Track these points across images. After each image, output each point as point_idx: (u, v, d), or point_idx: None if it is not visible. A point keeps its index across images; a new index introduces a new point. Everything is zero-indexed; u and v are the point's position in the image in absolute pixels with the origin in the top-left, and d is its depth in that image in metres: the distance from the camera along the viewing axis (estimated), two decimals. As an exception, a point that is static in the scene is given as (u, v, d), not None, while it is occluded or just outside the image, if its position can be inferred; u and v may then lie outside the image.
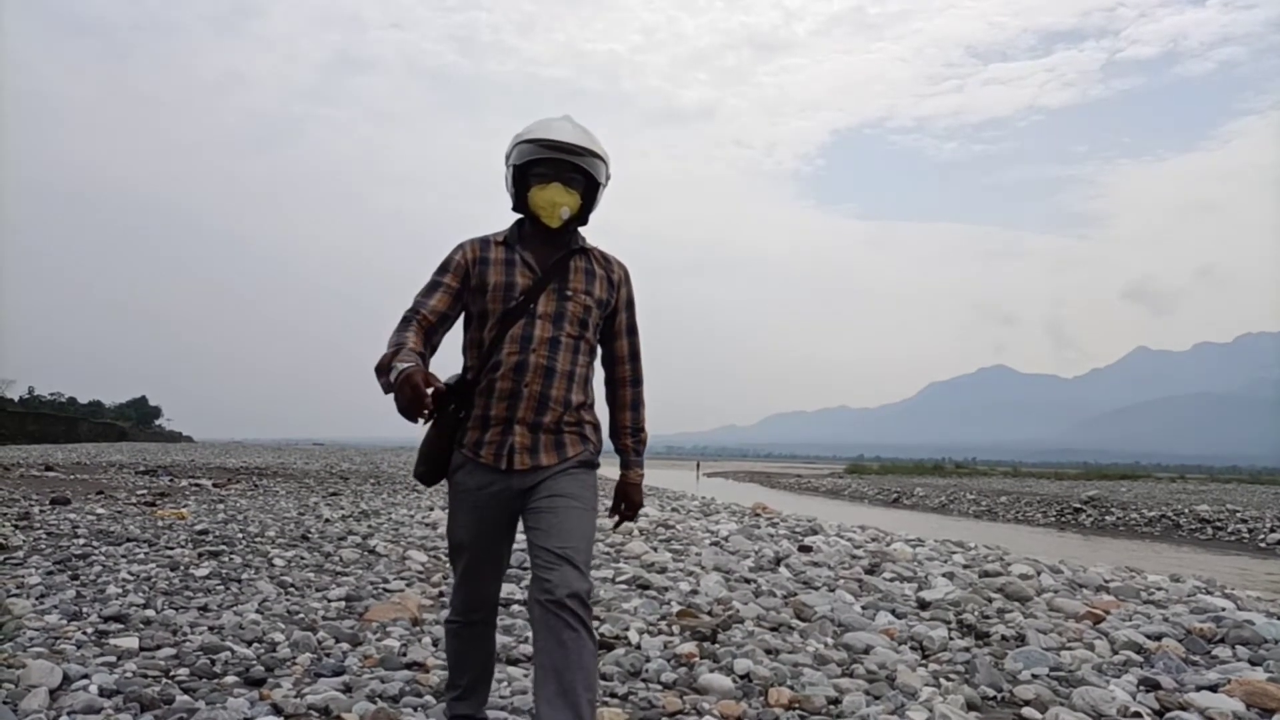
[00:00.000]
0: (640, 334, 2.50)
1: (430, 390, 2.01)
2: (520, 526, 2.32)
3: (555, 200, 2.27)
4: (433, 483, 2.40)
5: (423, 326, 2.26)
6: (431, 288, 2.31)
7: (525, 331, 2.25)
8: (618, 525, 2.56)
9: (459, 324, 2.39)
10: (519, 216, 2.40)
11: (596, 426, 2.40)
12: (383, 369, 2.09)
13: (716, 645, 3.68)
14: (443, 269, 2.34)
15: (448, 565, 2.53)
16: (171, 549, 5.76)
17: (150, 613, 3.89)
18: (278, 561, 5.44)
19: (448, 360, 2.39)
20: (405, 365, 2.04)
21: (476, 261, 2.32)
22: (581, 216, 2.38)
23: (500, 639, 3.45)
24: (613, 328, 2.43)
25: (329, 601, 4.33)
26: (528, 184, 2.31)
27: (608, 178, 2.41)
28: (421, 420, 2.10)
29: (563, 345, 2.28)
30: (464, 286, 2.32)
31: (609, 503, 2.56)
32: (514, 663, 3.36)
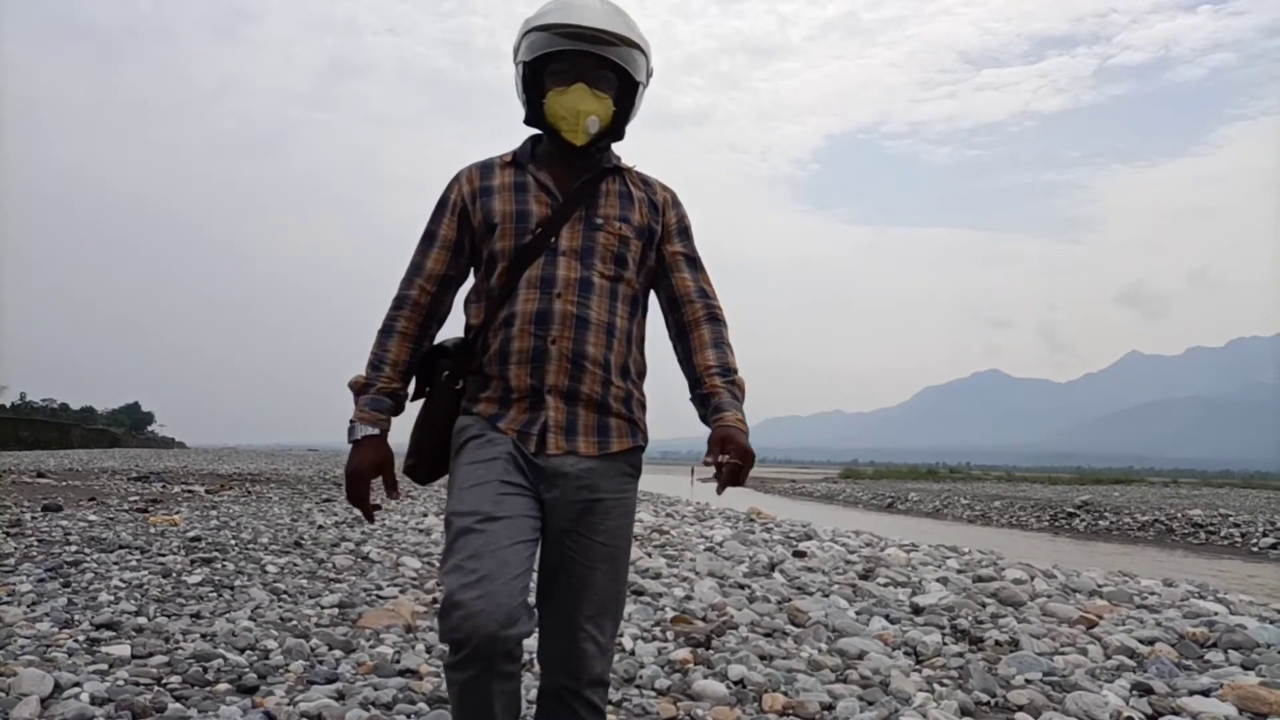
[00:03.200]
0: (707, 270, 1.91)
1: (386, 482, 1.77)
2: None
3: (579, 108, 1.71)
4: (428, 479, 1.85)
5: (418, 309, 1.81)
6: (426, 242, 1.83)
7: (545, 272, 1.71)
8: (724, 488, 1.73)
9: None
10: (534, 132, 1.86)
11: (645, 406, 1.85)
12: (356, 390, 1.79)
13: (711, 651, 3.68)
14: (437, 212, 1.84)
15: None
16: (164, 556, 5.74)
17: (142, 620, 3.87)
18: (271, 568, 5.42)
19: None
20: (364, 431, 1.74)
21: (477, 193, 1.79)
22: (615, 129, 1.80)
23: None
24: (665, 260, 1.86)
25: (322, 608, 4.32)
26: (543, 87, 1.75)
27: (649, 75, 1.82)
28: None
29: (596, 288, 1.73)
30: (465, 232, 1.81)
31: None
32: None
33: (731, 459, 1.63)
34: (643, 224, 1.81)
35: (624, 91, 1.78)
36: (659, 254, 1.86)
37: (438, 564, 3.74)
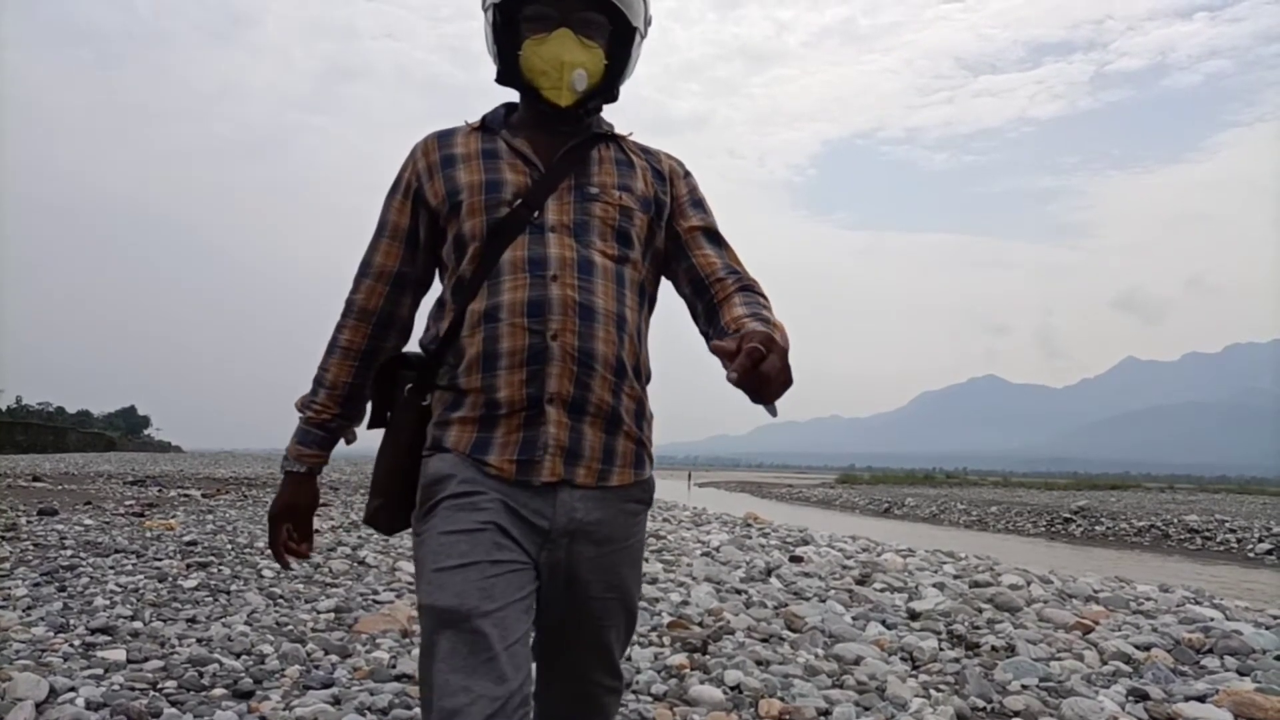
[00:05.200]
0: (734, 247, 1.51)
1: (300, 533, 1.51)
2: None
3: (563, 58, 1.36)
4: (393, 528, 1.44)
5: (366, 317, 1.47)
6: (377, 233, 1.48)
7: (533, 252, 1.34)
8: (742, 375, 1.11)
9: None
10: (509, 98, 1.51)
11: (652, 422, 1.49)
12: (299, 408, 1.51)
13: (707, 656, 3.68)
14: (389, 195, 1.48)
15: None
16: (160, 560, 5.73)
17: (138, 625, 3.86)
18: (267, 573, 5.41)
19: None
20: (287, 466, 1.48)
21: (436, 166, 1.42)
22: (607, 86, 1.44)
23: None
24: (680, 239, 1.48)
25: (318, 613, 4.31)
26: (518, 36, 1.39)
27: (647, 22, 1.46)
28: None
29: (599, 269, 1.36)
30: (419, 218, 1.45)
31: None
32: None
33: (755, 344, 1.13)
34: (647, 194, 1.45)
35: (618, 40, 1.42)
36: (671, 232, 1.49)
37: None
